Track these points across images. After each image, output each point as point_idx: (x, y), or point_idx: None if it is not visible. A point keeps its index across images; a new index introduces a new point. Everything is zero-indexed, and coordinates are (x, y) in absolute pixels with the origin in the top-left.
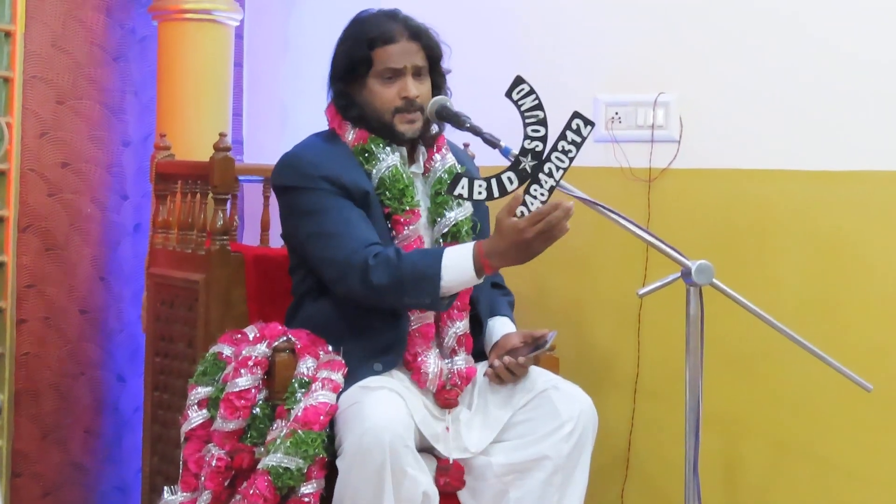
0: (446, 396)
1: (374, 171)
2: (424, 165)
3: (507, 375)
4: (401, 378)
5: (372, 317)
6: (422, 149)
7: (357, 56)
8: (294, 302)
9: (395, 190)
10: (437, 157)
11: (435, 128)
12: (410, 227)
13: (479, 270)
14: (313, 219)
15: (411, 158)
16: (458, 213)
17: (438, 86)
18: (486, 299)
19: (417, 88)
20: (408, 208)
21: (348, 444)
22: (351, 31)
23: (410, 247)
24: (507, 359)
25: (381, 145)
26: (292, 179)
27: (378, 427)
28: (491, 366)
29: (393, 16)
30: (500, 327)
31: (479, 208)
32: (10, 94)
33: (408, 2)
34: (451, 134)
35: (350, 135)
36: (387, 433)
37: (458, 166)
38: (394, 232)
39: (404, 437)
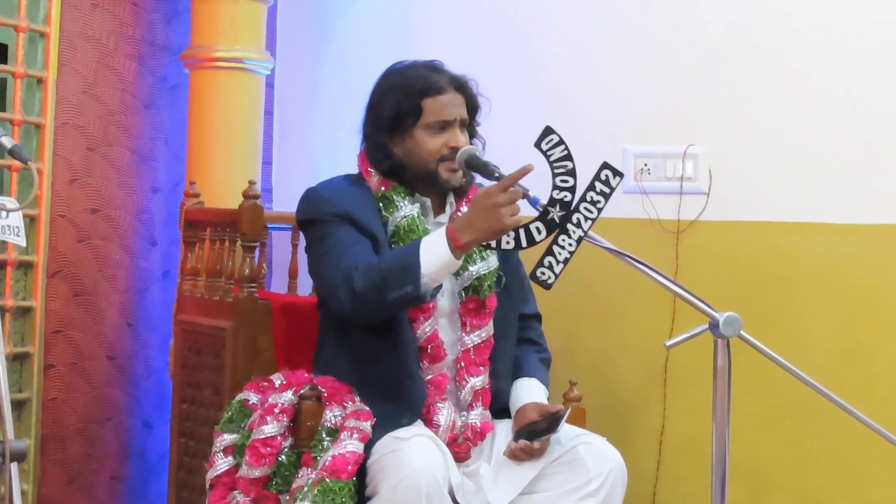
0: (457, 450)
1: (391, 218)
2: (451, 216)
3: (524, 456)
4: (422, 427)
5: (384, 365)
6: (451, 199)
7: (406, 107)
8: (319, 339)
9: (409, 239)
10: (465, 208)
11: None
12: None
13: (452, 248)
14: (319, 245)
15: (441, 208)
16: (482, 267)
17: (472, 136)
18: (508, 355)
19: (463, 139)
20: None
21: (385, 490)
22: (394, 81)
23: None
24: (522, 443)
25: (402, 195)
26: (308, 213)
27: (416, 472)
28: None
29: (435, 68)
30: (523, 392)
31: (511, 261)
32: (41, 140)
33: (440, 53)
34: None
35: (374, 180)
36: (424, 479)
37: None
38: None
39: (441, 486)
